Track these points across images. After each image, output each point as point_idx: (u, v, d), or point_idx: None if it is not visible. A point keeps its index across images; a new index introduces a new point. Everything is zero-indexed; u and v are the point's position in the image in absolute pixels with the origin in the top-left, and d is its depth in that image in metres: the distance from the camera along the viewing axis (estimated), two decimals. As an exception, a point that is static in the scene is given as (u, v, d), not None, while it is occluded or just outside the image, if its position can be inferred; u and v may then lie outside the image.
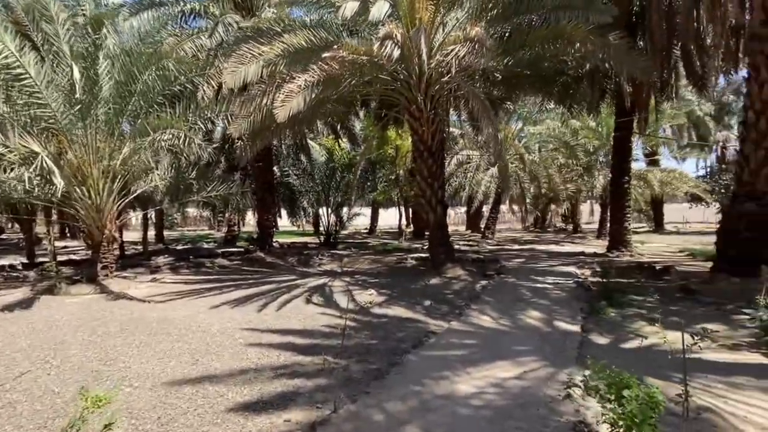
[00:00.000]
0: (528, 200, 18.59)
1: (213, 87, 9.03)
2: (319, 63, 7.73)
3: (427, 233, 16.10)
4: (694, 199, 28.88)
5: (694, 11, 8.47)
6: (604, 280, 8.46)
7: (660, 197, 23.41)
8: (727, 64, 11.66)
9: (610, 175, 19.85)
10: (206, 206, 13.89)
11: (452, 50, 7.51)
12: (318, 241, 19.03)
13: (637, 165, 21.17)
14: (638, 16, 11.47)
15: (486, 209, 24.78)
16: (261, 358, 4.66)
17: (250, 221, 19.46)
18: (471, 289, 8.20)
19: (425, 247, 16.10)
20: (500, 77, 11.79)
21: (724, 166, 28.73)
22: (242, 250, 14.96)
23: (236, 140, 10.67)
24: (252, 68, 7.82)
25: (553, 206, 27.15)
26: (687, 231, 26.41)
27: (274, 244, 16.39)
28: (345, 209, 19.34)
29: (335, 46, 7.98)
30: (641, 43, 11.71)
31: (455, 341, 5.18)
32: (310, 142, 18.84)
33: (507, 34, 9.63)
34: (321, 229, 19.12)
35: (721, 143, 29.04)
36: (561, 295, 7.53)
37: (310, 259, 13.67)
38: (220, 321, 6.19)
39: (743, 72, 14.27)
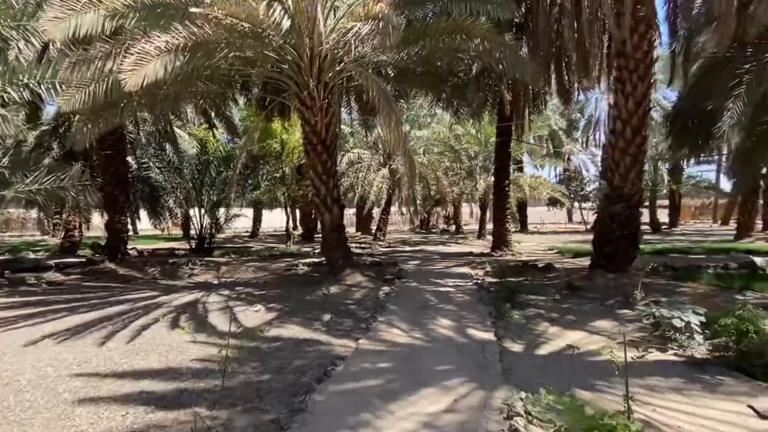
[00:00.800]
0: (418, 202, 18.72)
1: (36, 45, 6.72)
2: (186, 22, 6.17)
3: (317, 236, 15.06)
4: (552, 202, 32.82)
5: (575, 24, 8.94)
6: (500, 280, 8.48)
7: (524, 201, 25.81)
8: (589, 81, 12.99)
9: (490, 179, 21.31)
10: (31, 205, 10.81)
11: (352, 28, 6.65)
12: (189, 247, 16.60)
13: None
14: (524, 19, 11.95)
15: (376, 211, 24.62)
16: (96, 424, 3.18)
17: (100, 224, 16.08)
18: (374, 297, 7.44)
19: (317, 251, 15.00)
20: (393, 73, 11.37)
21: (571, 174, 33.28)
22: (84, 260, 12.09)
23: (71, 118, 8.31)
24: (88, 18, 5.85)
25: (438, 208, 28.22)
26: (545, 231, 29.82)
27: (129, 251, 13.69)
28: (222, 210, 17.23)
29: (208, 0, 6.47)
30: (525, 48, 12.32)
31: (368, 366, 4.30)
32: (177, 130, 16.34)
33: (405, 23, 9.14)
34: (193, 232, 16.68)
35: (568, 154, 33.48)
36: (465, 299, 7.19)
37: (178, 270, 11.59)
38: (37, 365, 4.37)
39: (602, 88, 16.34)
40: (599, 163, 37.38)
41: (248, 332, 5.58)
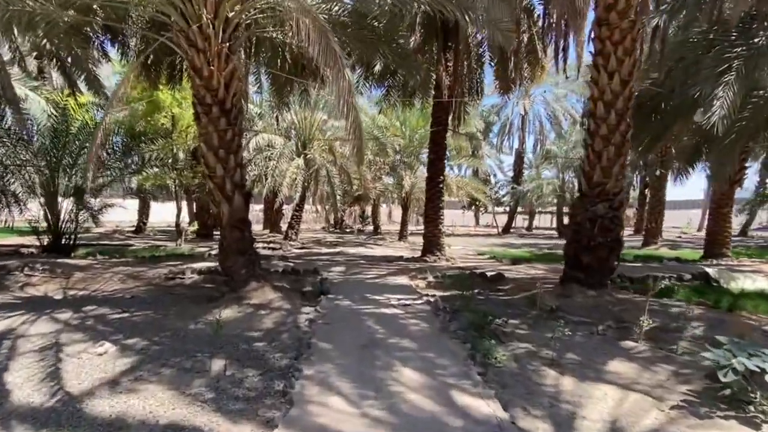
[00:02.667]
0: (338, 197, 16.59)
1: None
2: None
3: (217, 233, 12.24)
4: (469, 205, 32.89)
5: None
6: (449, 294, 6.78)
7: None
8: (533, 69, 12.09)
9: (415, 176, 19.98)
10: None
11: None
12: (39, 245, 12.66)
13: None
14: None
15: (287, 207, 21.97)
16: None
17: None
18: (293, 325, 5.18)
19: (214, 252, 12.16)
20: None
21: (486, 177, 33.76)
22: None
23: None
24: None
25: (355, 207, 26.31)
26: (459, 234, 29.63)
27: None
28: (96, 199, 13.53)
29: None
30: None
31: None
32: (23, 89, 12.30)
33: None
34: (48, 225, 12.73)
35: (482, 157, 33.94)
36: (423, 328, 5.28)
37: (6, 277, 8.19)
38: None
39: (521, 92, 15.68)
40: (509, 168, 39.12)
41: (67, 404, 3.06)
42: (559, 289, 6.55)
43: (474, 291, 7.22)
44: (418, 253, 13.05)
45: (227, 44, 6.35)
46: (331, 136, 18.88)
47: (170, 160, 14.51)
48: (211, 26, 6.05)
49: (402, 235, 20.27)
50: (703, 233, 32.02)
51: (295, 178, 15.91)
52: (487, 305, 6.26)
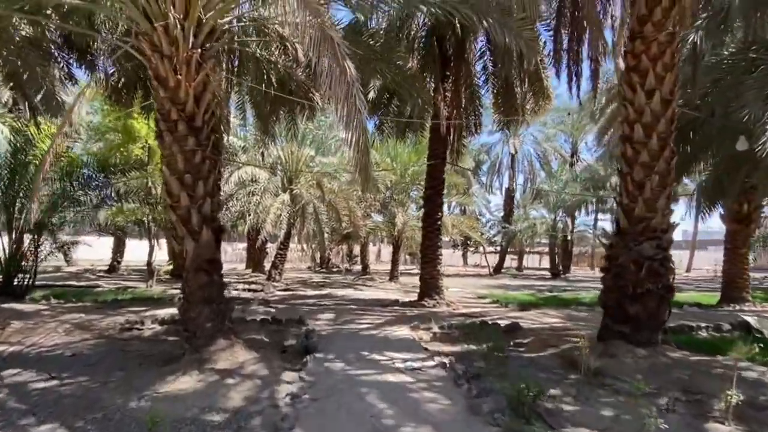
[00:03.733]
0: (325, 235, 15.43)
1: None
2: None
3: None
4: (458, 244, 31.96)
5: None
6: (463, 349, 5.56)
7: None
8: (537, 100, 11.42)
9: (407, 213, 19.02)
10: None
11: None
12: (-15, 287, 11.12)
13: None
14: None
15: (271, 245, 20.65)
16: None
17: None
18: (270, 404, 3.87)
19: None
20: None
21: (477, 216, 33.10)
22: None
23: None
24: None
25: (343, 245, 25.09)
26: (449, 273, 28.43)
27: None
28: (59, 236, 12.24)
29: None
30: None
31: None
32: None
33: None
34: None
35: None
36: (443, 406, 4.00)
37: None
38: None
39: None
40: (496, 208, 38.62)
41: None
42: (601, 346, 5.39)
43: (487, 343, 6.03)
44: (414, 296, 11.86)
45: (199, 50, 5.38)
46: (319, 172, 17.92)
47: (143, 194, 13.29)
48: (179, 27, 5.09)
49: (393, 275, 19.03)
50: (692, 274, 31.65)
51: (280, 215, 14.77)
52: (511, 366, 5.07)
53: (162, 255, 15.18)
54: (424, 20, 10.64)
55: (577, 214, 29.94)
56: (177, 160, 5.74)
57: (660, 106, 5.54)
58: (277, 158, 17.51)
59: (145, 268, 14.92)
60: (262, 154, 17.63)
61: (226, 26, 6.81)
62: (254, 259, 23.88)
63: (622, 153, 6.04)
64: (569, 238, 27.30)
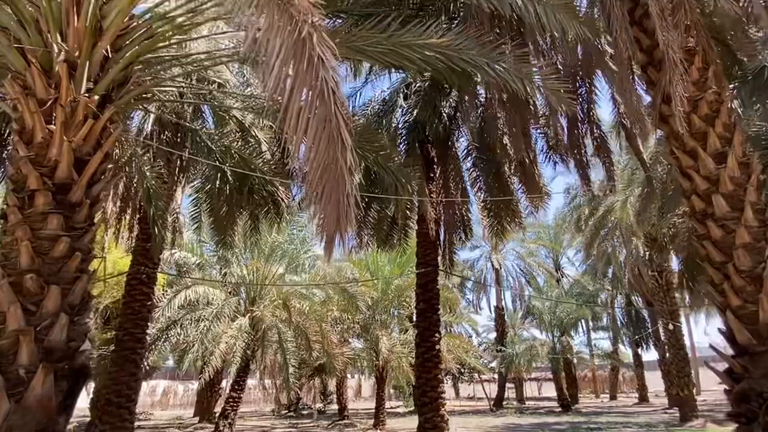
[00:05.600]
0: (291, 369, 12.21)
1: None
2: None
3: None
4: (451, 373, 28.06)
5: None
6: None
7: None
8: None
9: (392, 337, 16.06)
10: None
11: None
12: None
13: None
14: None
15: (227, 383, 16.85)
16: None
17: None
18: None
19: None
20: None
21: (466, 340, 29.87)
22: None
23: None
24: None
25: (316, 380, 21.12)
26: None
27: None
28: None
29: None
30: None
31: None
32: None
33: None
34: None
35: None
36: None
37: None
38: None
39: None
40: (483, 329, 35.54)
41: None
42: None
43: None
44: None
45: (96, 97, 3.51)
46: (288, 292, 15.30)
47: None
48: (65, 63, 3.28)
49: (378, 419, 15.24)
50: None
51: (233, 345, 11.72)
52: None
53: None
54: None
55: (572, 333, 27.48)
56: (21, 250, 3.42)
57: (739, 170, 3.93)
58: (241, 277, 15.00)
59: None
60: (224, 274, 15.17)
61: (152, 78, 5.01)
62: (204, 404, 19.50)
63: (701, 235, 4.25)
64: (575, 360, 24.21)
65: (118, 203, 7.97)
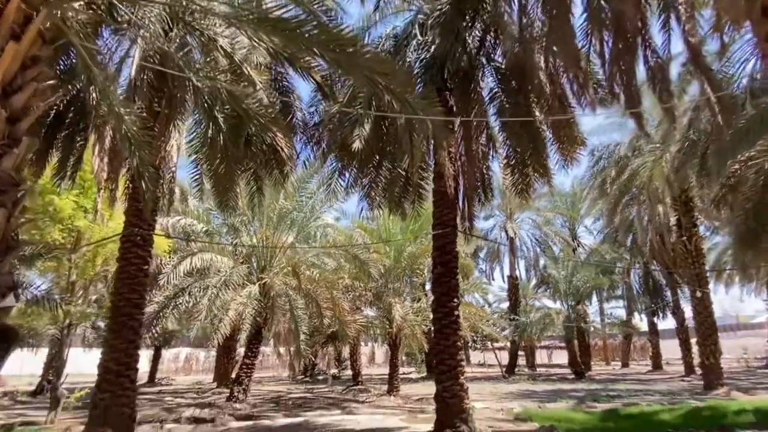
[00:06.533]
0: (302, 336, 11.88)
1: None
2: None
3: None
4: (471, 340, 27.91)
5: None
6: None
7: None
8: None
9: (404, 305, 15.67)
10: None
11: None
12: None
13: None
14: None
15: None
16: None
17: None
18: None
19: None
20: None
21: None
22: None
23: None
24: None
25: (330, 348, 21.07)
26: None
27: None
28: None
29: None
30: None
31: None
32: None
33: None
34: None
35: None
36: None
37: None
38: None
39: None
40: (494, 300, 35.22)
41: None
42: None
43: None
44: (423, 415, 8.21)
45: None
46: (298, 259, 14.82)
47: (58, 290, 9.99)
48: None
49: (392, 386, 15.04)
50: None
51: (242, 313, 11.37)
52: None
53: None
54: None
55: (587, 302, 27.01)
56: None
57: None
58: (250, 246, 14.56)
59: (74, 385, 11.03)
60: (235, 247, 14.71)
61: None
62: (221, 371, 19.62)
63: None
64: (593, 329, 23.78)
65: (106, 159, 7.34)
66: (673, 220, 15.96)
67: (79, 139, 8.25)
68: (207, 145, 7.84)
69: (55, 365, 16.98)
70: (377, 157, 9.18)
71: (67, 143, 8.27)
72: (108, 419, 7.02)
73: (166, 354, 29.36)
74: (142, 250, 7.84)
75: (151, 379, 22.03)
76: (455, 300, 8.49)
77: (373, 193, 9.73)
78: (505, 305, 32.45)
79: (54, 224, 10.26)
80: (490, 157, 9.82)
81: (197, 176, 9.53)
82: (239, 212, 14.11)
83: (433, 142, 8.06)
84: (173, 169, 8.70)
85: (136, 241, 7.80)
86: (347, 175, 9.57)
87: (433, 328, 8.70)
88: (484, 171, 9.57)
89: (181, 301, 11.99)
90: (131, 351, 7.46)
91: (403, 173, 9.57)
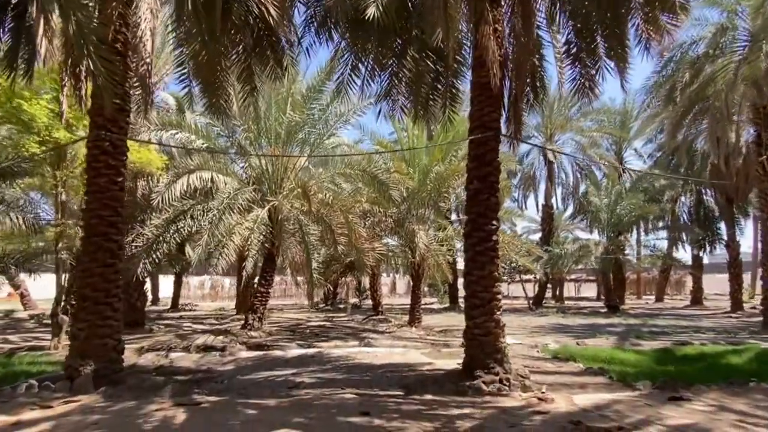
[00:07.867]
0: (315, 265, 10.73)
1: None
2: None
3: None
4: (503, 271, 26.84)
5: None
6: None
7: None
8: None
9: (431, 232, 14.31)
10: None
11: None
12: None
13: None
14: None
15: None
16: None
17: None
18: None
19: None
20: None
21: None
22: None
23: None
24: None
25: (350, 277, 20.30)
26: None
27: None
28: None
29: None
30: None
31: None
32: None
33: None
34: None
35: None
36: None
37: None
38: None
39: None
40: (523, 230, 33.58)
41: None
42: None
43: None
44: (449, 353, 7.11)
45: None
46: (312, 182, 13.27)
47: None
48: None
49: (413, 317, 14.13)
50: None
51: (249, 239, 10.18)
52: None
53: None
54: None
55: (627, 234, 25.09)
56: None
57: None
58: (258, 167, 13.12)
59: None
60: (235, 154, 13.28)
61: None
62: (239, 298, 19.37)
63: None
64: (633, 261, 22.11)
65: (56, 41, 5.67)
66: (749, 138, 13.48)
67: (28, 18, 6.62)
68: (181, 21, 6.09)
69: (74, 290, 16.89)
70: (399, 42, 7.23)
71: (16, 24, 6.69)
72: (89, 352, 6.10)
73: (192, 281, 29.76)
74: (113, 159, 6.48)
75: (174, 305, 22.12)
76: (494, 223, 6.91)
77: (395, 91, 7.88)
78: (534, 237, 30.91)
79: (30, 136, 8.97)
80: (543, 44, 7.69)
81: (184, 76, 7.87)
82: (244, 127, 12.57)
83: (473, 13, 6.03)
84: (148, 59, 7.03)
85: (104, 147, 6.42)
86: (362, 68, 7.68)
87: (464, 256, 7.19)
88: (535, 61, 7.52)
89: (182, 225, 10.88)
90: (110, 276, 6.37)
91: (433, 66, 7.62)
